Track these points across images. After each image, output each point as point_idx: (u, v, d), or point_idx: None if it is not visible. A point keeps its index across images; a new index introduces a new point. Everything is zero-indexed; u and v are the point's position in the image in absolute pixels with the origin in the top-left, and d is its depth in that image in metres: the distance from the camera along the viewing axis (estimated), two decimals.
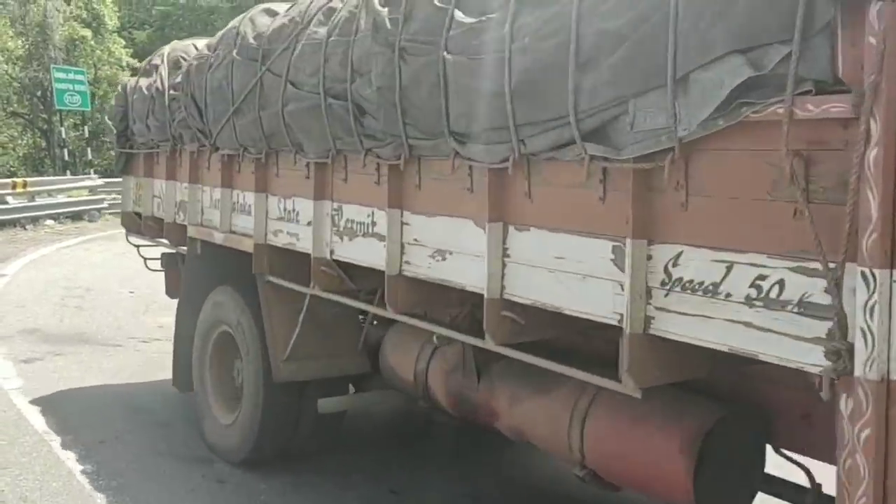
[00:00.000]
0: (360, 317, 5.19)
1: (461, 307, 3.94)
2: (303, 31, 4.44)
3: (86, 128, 30.31)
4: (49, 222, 22.11)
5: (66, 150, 29.38)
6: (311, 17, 4.41)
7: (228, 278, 5.49)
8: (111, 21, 31.45)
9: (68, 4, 30.78)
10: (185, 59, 6.21)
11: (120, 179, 23.69)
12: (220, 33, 5.50)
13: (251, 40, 4.91)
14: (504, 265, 3.31)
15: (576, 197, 3.01)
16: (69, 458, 5.70)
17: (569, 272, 3.03)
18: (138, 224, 7.11)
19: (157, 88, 6.16)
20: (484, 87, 3.21)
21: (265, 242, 4.99)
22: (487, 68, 3.19)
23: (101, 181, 25.97)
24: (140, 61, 32.37)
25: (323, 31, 4.24)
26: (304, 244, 4.60)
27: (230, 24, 5.38)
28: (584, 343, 3.61)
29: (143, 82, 6.56)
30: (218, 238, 5.46)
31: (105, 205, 24.45)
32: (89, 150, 30.20)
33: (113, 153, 28.38)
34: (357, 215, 4.19)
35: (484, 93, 3.22)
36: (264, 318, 4.96)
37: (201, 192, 5.81)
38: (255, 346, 5.03)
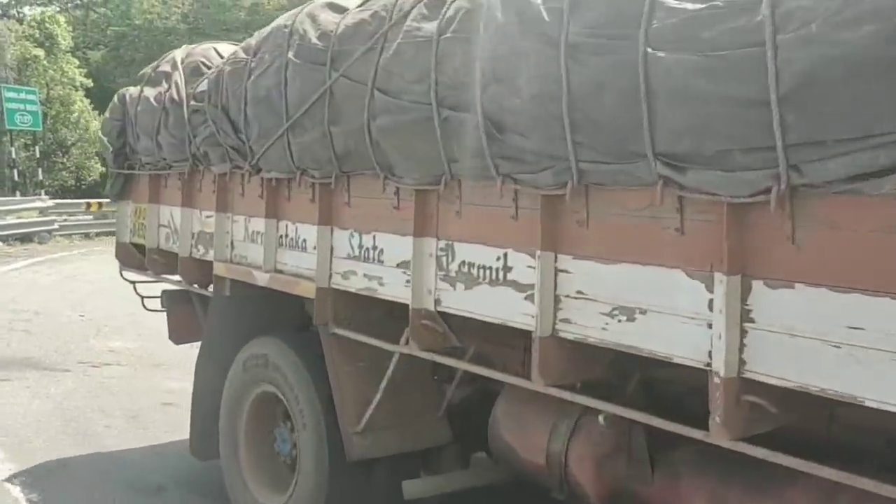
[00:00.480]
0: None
1: (627, 376, 2.96)
2: (395, 27, 3.41)
3: (37, 148, 28.38)
4: None
5: (15, 171, 27.38)
6: (408, 11, 3.39)
7: (272, 327, 4.38)
8: (64, 41, 29.63)
9: (21, 24, 28.94)
10: (206, 66, 5.09)
11: (72, 201, 21.99)
12: (262, 33, 4.40)
13: (315, 40, 3.85)
14: (744, 332, 2.33)
15: (888, 245, 2.06)
16: (15, 488, 5.36)
17: (874, 349, 2.08)
18: (137, 258, 5.89)
19: (171, 99, 5.02)
20: (728, 92, 2.23)
21: (329, 286, 3.91)
22: (735, 68, 2.19)
23: (51, 202, 24.57)
24: (94, 81, 30.95)
25: (430, 26, 3.21)
26: (393, 290, 3.53)
27: (276, 23, 4.29)
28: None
29: (150, 92, 5.39)
30: (259, 279, 4.34)
31: (56, 226, 23.19)
32: (40, 170, 28.24)
33: (65, 174, 26.80)
34: (479, 257, 3.15)
35: (728, 101, 2.23)
36: (331, 379, 3.85)
37: (231, 223, 4.67)
38: (316, 414, 3.90)
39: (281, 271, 4.24)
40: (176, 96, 4.99)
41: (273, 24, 4.33)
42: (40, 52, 28.67)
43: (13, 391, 7.64)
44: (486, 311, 3.13)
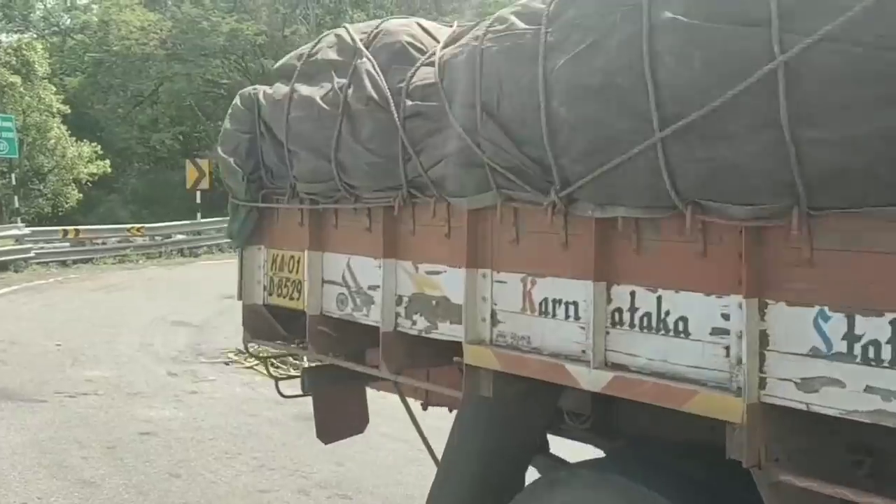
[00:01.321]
0: None
1: None
2: None
3: (13, 175, 25.69)
4: None
5: None
6: None
7: (617, 455, 2.61)
8: (41, 68, 27.03)
9: None
10: (417, 48, 3.27)
11: (48, 228, 20.02)
12: None
13: None
14: None
15: None
16: None
17: None
18: (272, 326, 3.97)
19: (366, 98, 3.16)
20: None
21: (759, 401, 2.15)
22: None
23: (27, 230, 22.37)
24: (71, 108, 28.40)
25: None
26: None
27: None
28: None
29: (310, 90, 3.49)
30: (583, 379, 2.48)
31: (32, 255, 21.23)
32: (16, 198, 25.54)
33: (42, 201, 24.69)
34: None
35: None
36: None
37: (491, 284, 2.87)
38: None
39: (624, 366, 2.46)
40: (373, 93, 3.16)
41: None
42: (17, 80, 26.06)
43: None
44: None
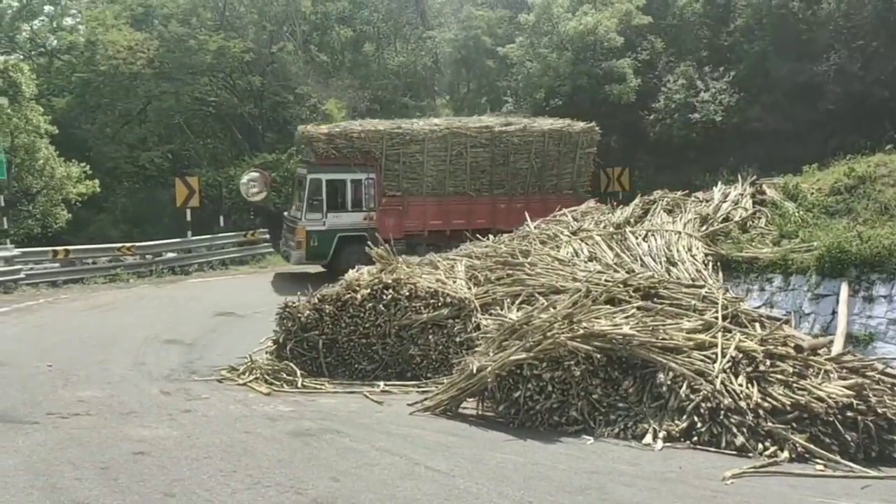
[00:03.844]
0: None
1: None
2: None
3: (1, 197, 25.52)
4: None
5: None
6: None
7: None
8: (28, 89, 26.80)
9: None
10: None
11: (38, 249, 20.32)
12: None
13: None
14: None
15: None
16: None
17: None
18: None
19: None
20: None
21: None
22: None
23: (17, 251, 22.23)
24: (59, 128, 28.17)
25: None
26: None
27: None
28: None
29: None
30: None
31: (22, 275, 21.01)
32: (5, 219, 25.38)
33: (31, 222, 24.91)
34: None
35: None
36: None
37: None
38: None
39: None
40: None
41: None
42: (4, 101, 25.90)
43: None
44: None
